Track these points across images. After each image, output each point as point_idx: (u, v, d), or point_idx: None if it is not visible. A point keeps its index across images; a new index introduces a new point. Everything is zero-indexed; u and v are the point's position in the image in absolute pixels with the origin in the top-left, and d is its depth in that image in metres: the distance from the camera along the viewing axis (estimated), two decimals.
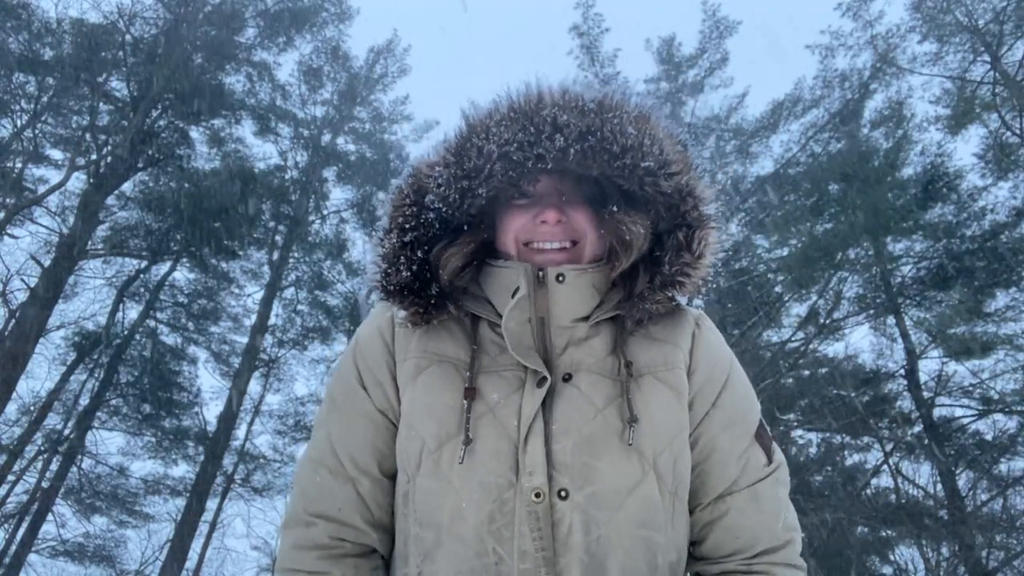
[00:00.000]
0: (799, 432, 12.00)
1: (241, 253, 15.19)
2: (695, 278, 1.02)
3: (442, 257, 1.01)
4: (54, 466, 13.16)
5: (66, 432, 13.54)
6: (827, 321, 11.96)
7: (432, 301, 1.01)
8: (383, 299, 1.04)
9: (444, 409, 0.94)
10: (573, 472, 0.89)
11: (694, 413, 1.00)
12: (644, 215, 0.99)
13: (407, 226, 1.01)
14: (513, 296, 0.96)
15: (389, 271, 1.01)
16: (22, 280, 12.80)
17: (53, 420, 13.72)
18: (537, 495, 0.88)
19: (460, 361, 0.98)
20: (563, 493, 0.88)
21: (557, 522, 0.88)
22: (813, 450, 12.45)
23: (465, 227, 1.03)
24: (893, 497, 11.15)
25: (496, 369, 0.97)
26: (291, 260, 16.10)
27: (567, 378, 0.96)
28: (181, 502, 13.68)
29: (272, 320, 15.48)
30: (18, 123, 13.06)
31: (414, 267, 1.00)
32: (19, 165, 13.31)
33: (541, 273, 0.98)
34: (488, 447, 0.91)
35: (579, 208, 1.00)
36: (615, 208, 0.99)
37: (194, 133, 14.59)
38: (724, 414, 1.02)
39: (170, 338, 15.27)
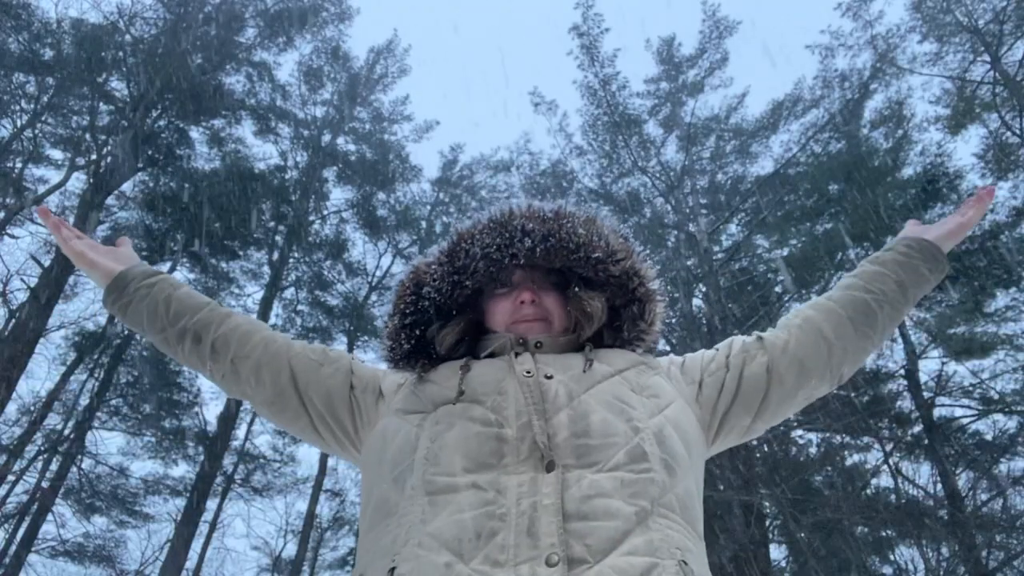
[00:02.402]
0: (799, 432, 12.01)
1: (241, 253, 15.20)
2: (648, 340, 1.30)
3: (438, 336, 1.25)
4: (54, 466, 13.16)
5: (66, 432, 13.55)
6: None
7: (433, 359, 1.26)
8: (392, 368, 1.29)
9: (453, 367, 1.20)
10: (555, 367, 1.14)
11: (694, 391, 1.24)
12: (600, 294, 1.27)
13: (407, 311, 1.27)
14: (490, 353, 1.21)
15: (393, 346, 1.27)
16: (22, 280, 12.82)
17: (53, 420, 13.74)
18: (527, 372, 1.11)
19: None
20: (548, 375, 1.11)
21: (545, 391, 1.08)
22: (813, 450, 12.46)
23: (454, 312, 1.29)
24: (893, 497, 11.15)
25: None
26: (291, 260, 16.11)
27: (548, 376, 1.16)
28: (181, 502, 13.69)
29: (272, 320, 15.48)
30: (18, 123, 13.07)
31: (413, 342, 1.26)
32: (19, 165, 13.32)
33: (523, 341, 1.22)
34: (491, 367, 1.16)
35: (547, 291, 1.28)
36: (577, 289, 1.27)
37: (194, 133, 14.61)
38: (700, 354, 1.30)
39: None
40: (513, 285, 1.27)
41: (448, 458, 1.01)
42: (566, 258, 1.22)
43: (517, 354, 1.17)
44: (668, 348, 11.29)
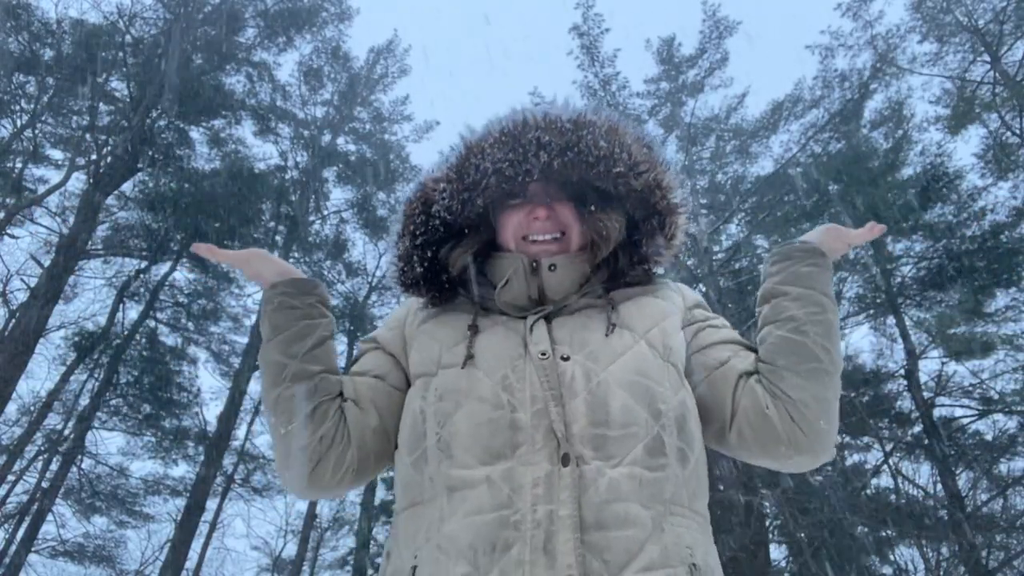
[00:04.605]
0: None
1: None
2: (668, 255, 1.23)
3: (450, 257, 1.20)
4: (54, 466, 13.16)
5: (66, 432, 13.55)
6: None
7: (445, 286, 1.22)
8: (404, 292, 1.24)
9: (457, 327, 1.14)
10: (572, 344, 1.07)
11: (688, 332, 1.18)
12: (619, 210, 1.18)
13: (417, 232, 1.20)
14: (505, 283, 1.15)
15: (405, 268, 1.22)
16: (22, 280, 12.83)
17: (53, 420, 13.74)
18: (543, 354, 1.04)
19: (468, 311, 1.19)
20: (565, 356, 1.04)
21: (561, 373, 1.02)
22: None
23: (466, 231, 1.22)
24: (893, 497, 11.15)
25: (499, 319, 1.17)
26: (291, 260, 16.11)
27: (565, 357, 1.11)
28: (181, 502, 13.68)
29: None
30: (18, 123, 13.07)
31: (425, 263, 1.20)
32: (19, 165, 13.32)
33: (535, 264, 1.16)
34: (499, 334, 1.10)
35: (564, 204, 1.20)
36: (593, 208, 1.18)
37: (194, 133, 14.60)
38: (716, 330, 1.20)
39: (170, 338, 15.27)
40: (527, 197, 1.19)
41: (461, 449, 0.98)
42: (585, 171, 1.13)
43: (532, 324, 1.09)
44: None
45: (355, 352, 1.30)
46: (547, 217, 1.17)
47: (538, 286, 1.16)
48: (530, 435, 0.97)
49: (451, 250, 1.20)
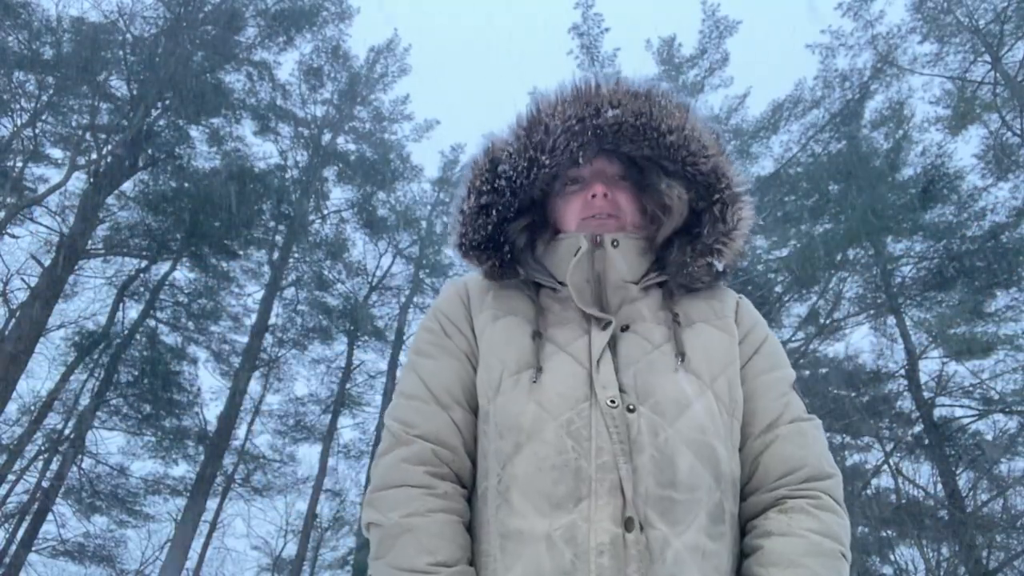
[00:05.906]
0: None
1: (241, 253, 15.19)
2: (731, 248, 1.15)
3: (511, 227, 1.16)
4: (54, 466, 13.15)
5: (66, 432, 13.54)
6: (827, 321, 11.97)
7: (505, 259, 1.16)
8: (463, 257, 1.18)
9: (522, 344, 1.07)
10: (638, 390, 1.00)
11: (740, 355, 1.12)
12: (683, 187, 1.14)
13: (483, 190, 1.13)
14: (575, 255, 1.10)
15: (467, 231, 1.15)
16: (22, 280, 12.82)
17: (53, 420, 13.72)
18: (612, 402, 0.97)
19: (529, 316, 1.12)
20: (631, 407, 0.98)
21: (628, 425, 0.97)
22: None
23: (528, 204, 1.18)
24: (893, 497, 11.15)
25: (561, 322, 1.10)
26: (291, 260, 16.10)
27: (625, 328, 1.08)
28: (181, 502, 13.68)
29: (272, 320, 15.48)
30: (18, 122, 13.06)
31: (489, 228, 1.14)
32: (19, 164, 13.31)
33: (598, 239, 1.11)
34: (564, 371, 1.03)
35: (621, 188, 1.16)
36: (661, 184, 1.13)
37: (194, 133, 14.59)
38: (766, 360, 1.13)
39: (170, 338, 15.26)
40: (584, 181, 1.16)
41: (520, 496, 0.95)
42: (656, 143, 1.09)
43: (599, 359, 1.02)
44: None
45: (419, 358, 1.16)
46: (604, 195, 1.14)
47: (597, 273, 1.11)
48: (593, 489, 0.92)
49: (514, 222, 1.16)
